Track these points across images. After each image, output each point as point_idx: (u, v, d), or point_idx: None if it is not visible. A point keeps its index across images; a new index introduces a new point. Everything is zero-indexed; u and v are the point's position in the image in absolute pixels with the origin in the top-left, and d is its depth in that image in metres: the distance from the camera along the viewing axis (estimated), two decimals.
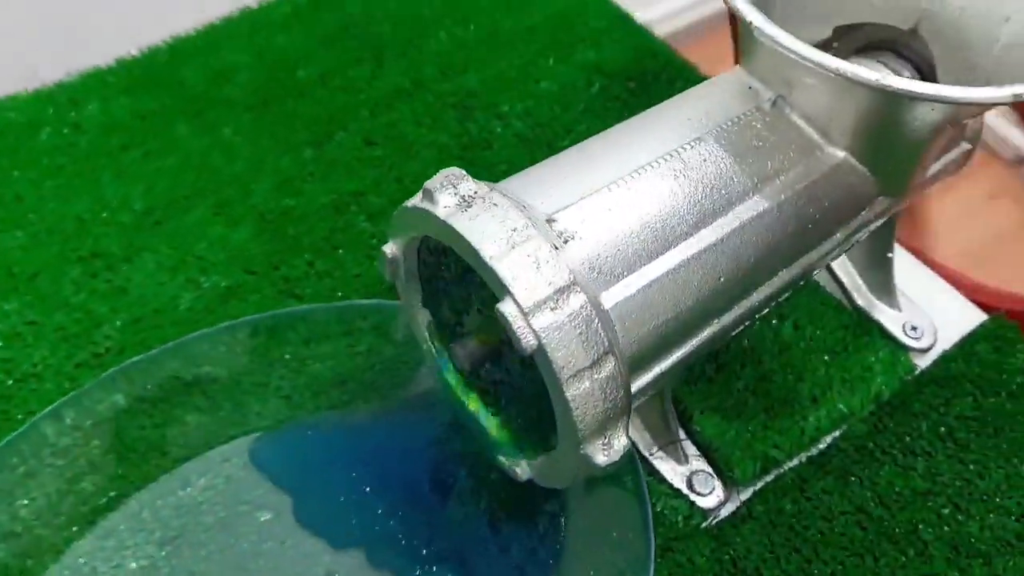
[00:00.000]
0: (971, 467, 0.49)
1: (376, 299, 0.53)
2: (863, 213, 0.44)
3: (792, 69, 0.40)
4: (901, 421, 0.51)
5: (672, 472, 0.48)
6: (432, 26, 0.69)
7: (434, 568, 0.45)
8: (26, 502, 0.46)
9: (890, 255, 0.53)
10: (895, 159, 0.41)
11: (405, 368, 0.52)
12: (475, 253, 0.34)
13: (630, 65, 0.66)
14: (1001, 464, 0.49)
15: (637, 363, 0.37)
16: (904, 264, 0.58)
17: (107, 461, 0.48)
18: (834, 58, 0.36)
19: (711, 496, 0.48)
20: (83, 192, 0.58)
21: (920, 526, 0.47)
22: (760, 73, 0.42)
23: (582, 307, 0.34)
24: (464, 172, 0.37)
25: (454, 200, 0.36)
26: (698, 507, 0.48)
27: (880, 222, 0.46)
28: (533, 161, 0.40)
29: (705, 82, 0.44)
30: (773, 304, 0.43)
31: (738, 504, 0.48)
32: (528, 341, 0.33)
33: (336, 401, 0.51)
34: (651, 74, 0.66)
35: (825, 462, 0.50)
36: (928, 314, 0.55)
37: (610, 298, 0.36)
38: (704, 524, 0.47)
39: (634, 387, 0.37)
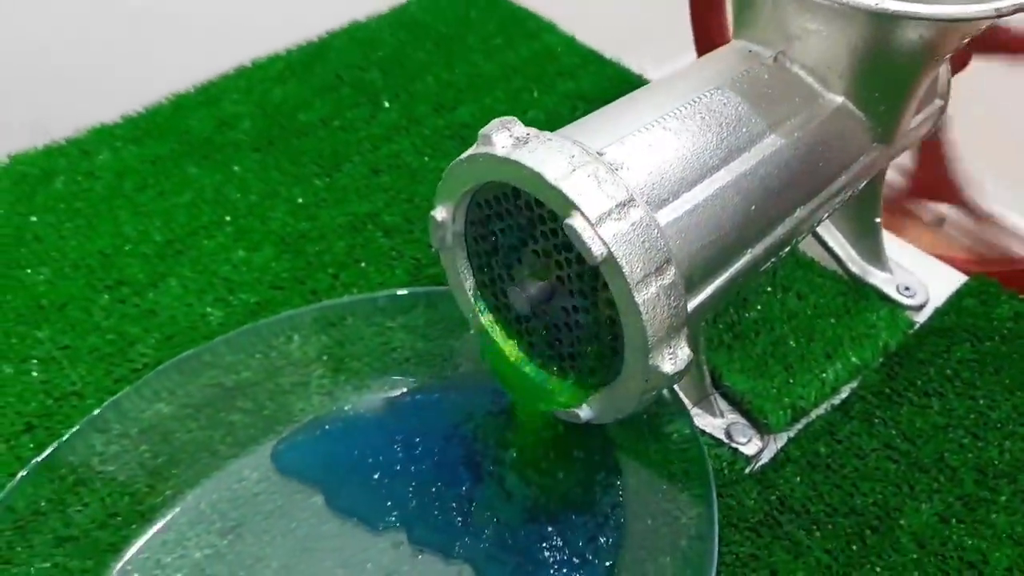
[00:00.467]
0: (981, 402, 0.53)
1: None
2: (862, 158, 0.48)
3: (791, 21, 0.44)
4: (910, 368, 0.54)
5: (710, 426, 0.50)
6: (420, 72, 0.74)
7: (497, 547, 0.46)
8: (79, 508, 0.46)
9: (878, 220, 0.57)
10: (886, 98, 0.46)
11: (440, 356, 0.54)
12: (539, 177, 0.37)
13: (609, 90, 0.71)
14: (1007, 397, 0.53)
15: (688, 282, 0.40)
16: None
17: (158, 464, 0.48)
18: None
19: (750, 444, 0.50)
20: (102, 230, 0.60)
21: (946, 455, 0.50)
22: (757, 38, 0.47)
23: (642, 218, 0.37)
24: (515, 118, 0.40)
25: (510, 140, 0.39)
26: (741, 454, 0.49)
27: (875, 172, 0.50)
28: None
29: (709, 54, 0.49)
30: (793, 242, 0.46)
31: (775, 450, 0.50)
32: (599, 249, 0.36)
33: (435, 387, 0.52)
34: None
35: (848, 408, 0.52)
36: (917, 276, 0.59)
37: (660, 219, 0.39)
38: (748, 470, 0.49)
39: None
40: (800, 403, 0.52)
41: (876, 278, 0.59)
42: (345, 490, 0.48)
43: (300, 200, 0.62)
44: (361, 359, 0.53)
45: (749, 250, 0.43)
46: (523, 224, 0.41)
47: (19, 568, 0.43)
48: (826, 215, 0.48)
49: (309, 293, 0.56)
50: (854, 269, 0.59)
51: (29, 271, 0.57)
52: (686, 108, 0.42)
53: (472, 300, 0.46)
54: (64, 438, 0.46)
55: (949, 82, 0.52)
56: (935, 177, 0.67)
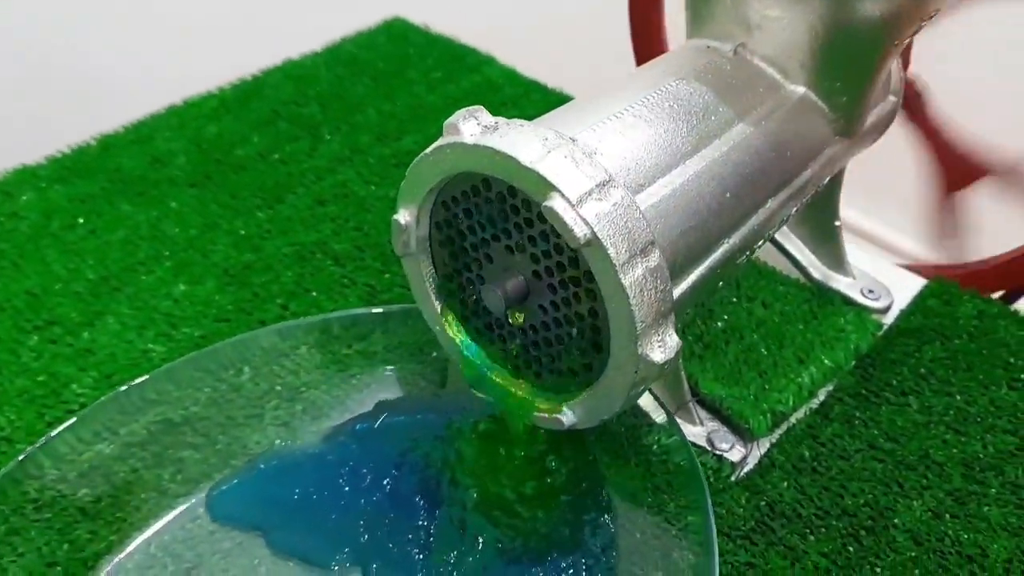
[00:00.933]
0: (958, 398, 0.52)
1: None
2: (826, 151, 0.48)
3: (751, 9, 0.44)
4: (884, 368, 0.54)
5: (691, 434, 0.49)
6: (360, 105, 0.72)
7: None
8: (13, 559, 0.41)
9: (837, 224, 0.57)
10: (847, 87, 0.46)
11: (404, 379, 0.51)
12: (512, 161, 0.35)
13: None
14: (982, 392, 0.52)
15: (671, 269, 0.39)
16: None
17: (101, 507, 0.44)
18: None
19: (733, 451, 0.48)
20: (29, 271, 0.56)
21: (930, 451, 0.49)
22: (715, 33, 0.47)
23: (623, 198, 0.36)
24: (481, 107, 0.38)
25: (479, 128, 0.37)
26: (726, 460, 0.48)
27: (837, 168, 0.50)
28: None
29: (665, 53, 0.48)
30: (765, 237, 0.45)
31: (759, 456, 0.49)
32: (582, 231, 0.34)
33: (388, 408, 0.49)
34: None
35: (827, 411, 0.51)
36: (877, 279, 0.59)
37: (640, 203, 0.38)
38: (734, 477, 0.48)
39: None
40: (779, 408, 0.50)
41: (839, 283, 0.58)
42: (289, 533, 0.44)
43: (242, 232, 0.60)
44: (318, 388, 0.50)
45: (726, 240, 0.42)
46: (494, 218, 0.39)
47: None
48: (793, 209, 0.48)
49: (257, 324, 0.53)
50: (816, 275, 0.58)
51: None
52: (654, 96, 0.42)
53: (438, 310, 0.44)
54: None
55: (902, 79, 0.52)
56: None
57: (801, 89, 0.46)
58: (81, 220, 0.60)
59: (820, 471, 0.48)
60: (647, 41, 0.76)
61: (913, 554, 0.44)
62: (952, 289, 0.59)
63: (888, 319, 0.57)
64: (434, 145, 0.39)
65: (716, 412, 0.50)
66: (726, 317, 0.56)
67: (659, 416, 0.47)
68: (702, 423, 0.49)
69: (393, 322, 0.52)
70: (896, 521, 0.46)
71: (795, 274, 0.59)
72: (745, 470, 0.48)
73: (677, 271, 0.39)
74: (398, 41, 0.80)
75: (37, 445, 0.43)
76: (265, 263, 0.58)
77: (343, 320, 0.51)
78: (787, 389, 0.52)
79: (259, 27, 0.81)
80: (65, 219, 0.60)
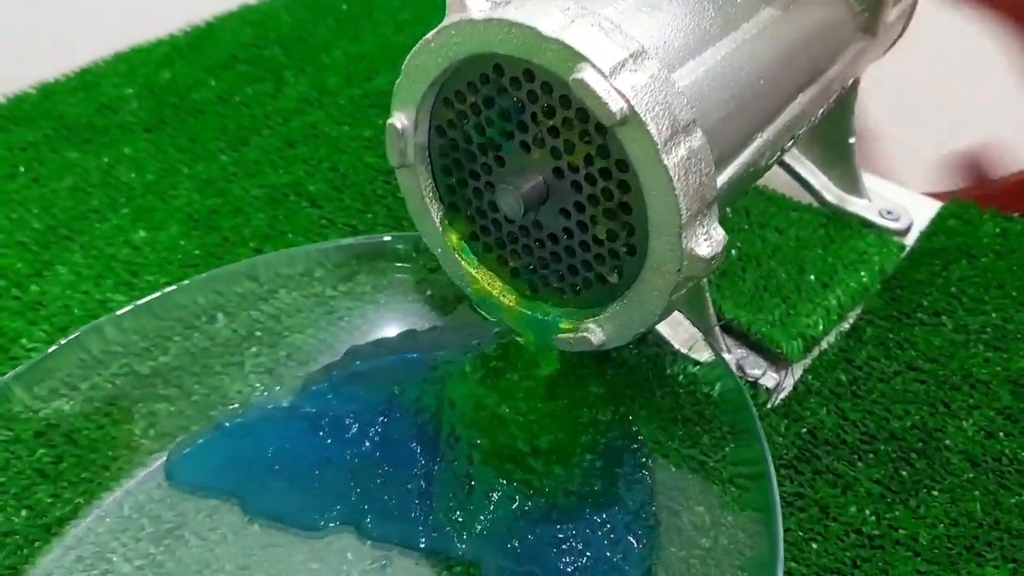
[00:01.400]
0: (993, 316, 0.49)
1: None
2: (850, 48, 0.44)
3: None
4: (912, 289, 0.50)
5: None
6: (326, 46, 0.67)
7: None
8: None
9: (852, 141, 0.53)
10: None
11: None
12: (533, 34, 0.31)
13: None
14: (1018, 308, 0.49)
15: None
16: None
17: (63, 469, 0.38)
18: None
19: (766, 377, 0.45)
20: None
21: (973, 370, 0.46)
22: None
23: (660, 71, 0.32)
24: None
25: (487, 3, 0.33)
26: (761, 387, 0.44)
27: (861, 69, 0.46)
28: None
29: None
30: (796, 135, 0.42)
31: (793, 382, 0.45)
32: (617, 104, 0.30)
33: (364, 353, 0.44)
34: None
35: (860, 335, 0.48)
36: (895, 200, 0.56)
37: (676, 82, 0.34)
38: (770, 404, 0.44)
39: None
40: (809, 332, 0.47)
41: (855, 205, 0.55)
42: (267, 496, 0.39)
43: (205, 176, 0.55)
44: (303, 332, 0.46)
45: (760, 134, 0.38)
46: (508, 111, 0.35)
47: None
48: (820, 110, 0.44)
49: None
50: (831, 198, 0.55)
51: None
52: None
53: (440, 228, 0.39)
54: None
55: None
56: None
57: None
58: (22, 169, 0.54)
59: (860, 395, 0.44)
60: None
61: (971, 475, 0.41)
62: (971, 209, 0.56)
63: (910, 240, 0.54)
64: (437, 28, 0.34)
65: (742, 339, 0.46)
66: (739, 245, 0.53)
67: (688, 343, 0.43)
68: (730, 350, 0.46)
69: (382, 257, 0.47)
70: (947, 443, 0.42)
71: (807, 200, 0.56)
72: (781, 396, 0.44)
73: (716, 161, 0.35)
74: None
75: None
76: (233, 206, 0.52)
77: (325, 253, 0.46)
78: (815, 313, 0.48)
79: None
80: (3, 168, 0.54)
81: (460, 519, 0.38)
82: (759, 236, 0.53)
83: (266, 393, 0.43)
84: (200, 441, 0.41)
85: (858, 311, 0.49)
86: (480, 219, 0.38)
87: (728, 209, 0.54)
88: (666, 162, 0.31)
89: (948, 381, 0.45)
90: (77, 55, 0.64)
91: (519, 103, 0.34)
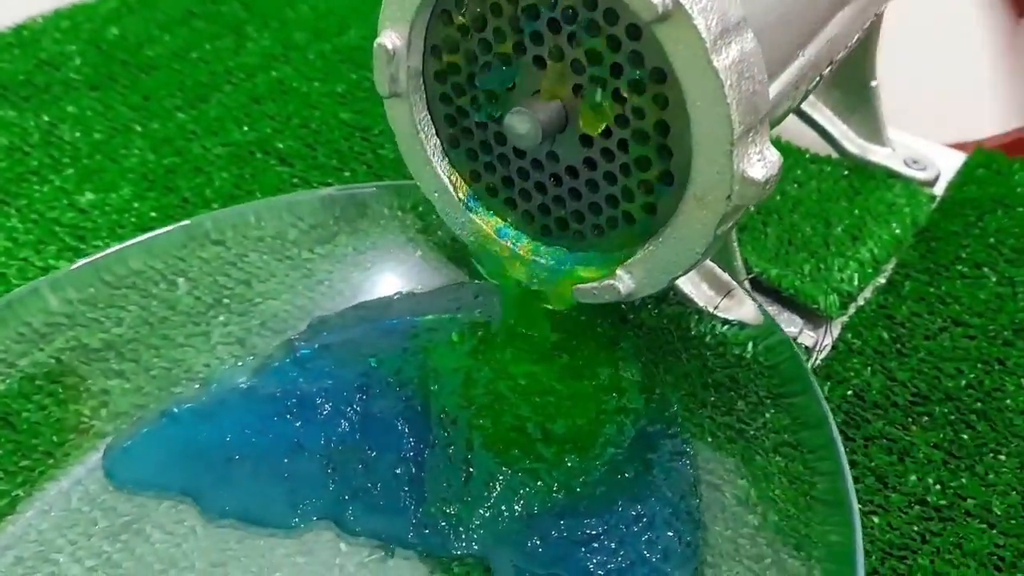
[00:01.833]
0: None
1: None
2: None
3: None
4: (948, 241, 0.46)
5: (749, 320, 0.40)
6: (290, 1, 0.62)
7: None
8: None
9: (874, 83, 0.49)
10: None
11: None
12: None
13: None
14: None
15: None
16: None
17: None
18: None
19: (803, 335, 0.40)
20: None
21: None
22: None
23: None
24: None
25: None
26: (800, 346, 0.39)
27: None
28: None
29: None
30: (837, 58, 0.37)
31: (832, 341, 0.40)
32: None
33: (334, 324, 0.39)
34: None
35: (898, 290, 0.43)
36: (919, 149, 0.52)
37: None
38: (810, 364, 0.39)
39: None
40: (844, 287, 0.42)
41: (878, 155, 0.51)
42: (228, 493, 0.34)
43: (161, 135, 0.49)
44: (277, 298, 0.40)
45: (802, 52, 0.34)
46: (518, 19, 0.30)
47: None
48: (855, 38, 0.40)
49: None
50: (852, 148, 0.51)
51: None
52: None
53: (437, 167, 0.34)
54: None
55: None
56: None
57: None
58: None
59: (906, 353, 0.40)
60: None
61: None
62: (999, 158, 0.52)
63: (938, 190, 0.50)
64: None
65: (772, 295, 0.42)
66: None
67: (713, 300, 0.39)
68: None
69: (365, 215, 0.42)
70: (1008, 402, 0.38)
71: (824, 151, 0.51)
72: (821, 356, 0.39)
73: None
74: None
75: None
76: (193, 165, 0.47)
77: (297, 206, 0.41)
78: (848, 267, 0.44)
79: None
80: None
81: (459, 512, 0.33)
82: (777, 189, 0.49)
83: (240, 364, 0.37)
84: (144, 431, 0.35)
85: (892, 265, 0.45)
86: (484, 155, 0.33)
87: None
88: (716, 64, 0.26)
89: (1000, 336, 0.41)
90: (10, 11, 0.58)
91: (532, 8, 0.29)
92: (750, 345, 0.37)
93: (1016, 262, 0.45)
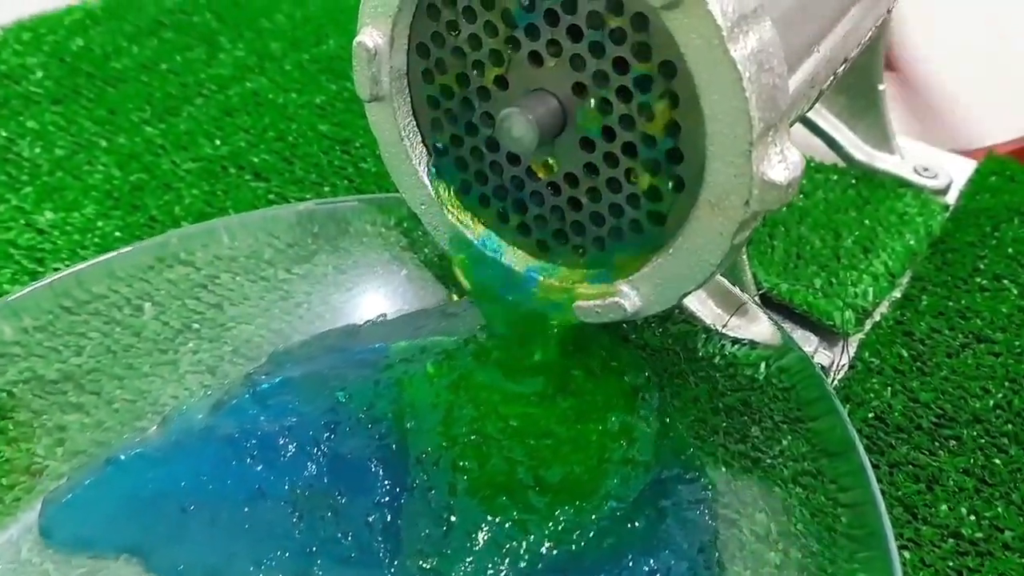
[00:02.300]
0: None
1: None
2: None
3: None
4: (964, 252, 0.44)
5: (760, 338, 0.38)
6: (265, 11, 0.59)
7: None
8: None
9: (881, 87, 0.47)
10: None
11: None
12: None
13: None
14: None
15: None
16: None
17: None
18: None
19: (819, 354, 0.38)
20: None
21: None
22: None
23: None
24: None
25: None
26: (817, 366, 0.37)
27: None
28: None
29: None
30: (850, 56, 0.35)
31: (849, 359, 0.38)
32: None
33: (297, 355, 0.36)
34: None
35: (915, 305, 0.41)
36: (929, 156, 0.50)
37: None
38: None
39: None
40: (859, 302, 0.40)
41: (886, 162, 0.49)
42: (182, 548, 0.30)
43: (127, 150, 0.46)
44: (251, 322, 0.37)
45: (817, 47, 0.31)
46: (511, 11, 0.27)
47: None
48: (867, 36, 0.37)
49: None
50: (859, 156, 0.49)
51: None
52: None
53: (424, 176, 0.32)
54: None
55: None
56: None
57: None
58: None
59: (928, 372, 0.38)
60: None
61: None
62: (1012, 165, 0.50)
63: (950, 199, 0.48)
64: None
65: (784, 311, 0.40)
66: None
67: (721, 318, 0.36)
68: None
69: (346, 232, 0.39)
70: None
71: (830, 159, 0.49)
72: (839, 376, 0.37)
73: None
74: None
75: None
76: (161, 182, 0.44)
77: (275, 222, 0.38)
78: (861, 281, 0.41)
79: None
80: None
81: (438, 566, 0.30)
82: None
83: (208, 394, 0.34)
84: (86, 482, 0.31)
85: (907, 278, 0.43)
86: (475, 162, 0.31)
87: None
88: (734, 55, 0.23)
89: None
90: None
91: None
92: (763, 365, 0.35)
93: None
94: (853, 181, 0.48)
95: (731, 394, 0.35)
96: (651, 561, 0.29)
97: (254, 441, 0.33)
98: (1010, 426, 0.35)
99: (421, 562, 0.30)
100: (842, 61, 0.35)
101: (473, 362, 0.33)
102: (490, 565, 0.30)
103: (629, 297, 0.29)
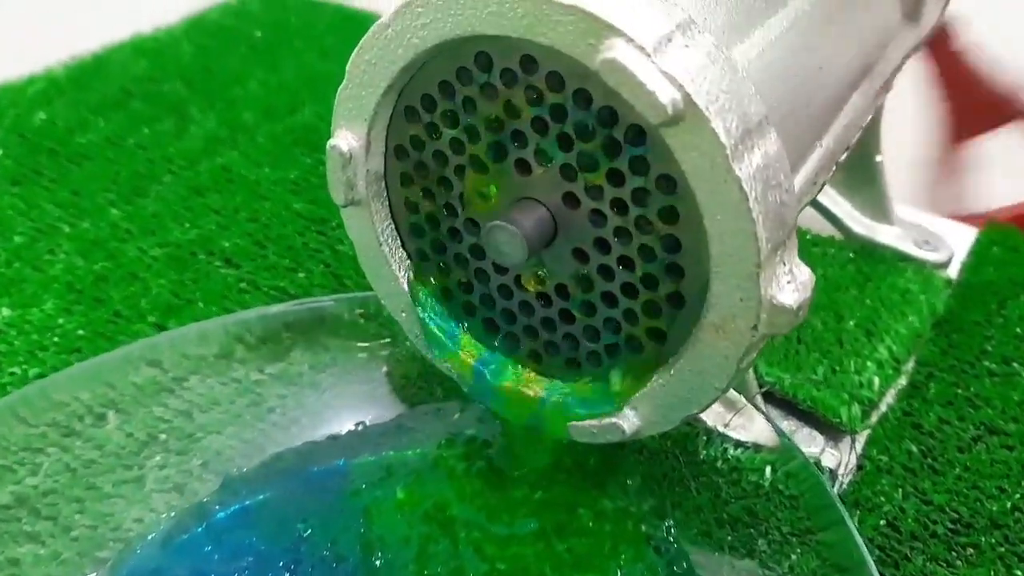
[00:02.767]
0: None
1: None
2: (895, 41, 0.37)
3: None
4: (970, 332, 0.42)
5: (761, 439, 0.36)
6: (238, 78, 0.58)
7: None
8: None
9: (879, 159, 0.46)
10: None
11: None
12: (537, 2, 0.22)
13: None
14: None
15: None
16: None
17: None
18: None
19: (825, 455, 0.36)
20: None
21: None
22: None
23: (717, 48, 0.23)
24: None
25: None
26: (823, 468, 0.35)
27: (903, 60, 0.39)
28: None
29: None
30: (851, 143, 0.34)
31: (857, 459, 0.36)
32: (668, 93, 0.21)
33: (254, 480, 0.34)
34: None
35: (922, 394, 0.39)
36: (929, 228, 0.48)
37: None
38: (835, 489, 0.35)
39: None
40: (865, 393, 0.39)
41: (886, 235, 0.47)
42: None
43: (91, 236, 0.44)
44: (222, 431, 0.35)
45: (819, 142, 0.30)
46: (498, 117, 0.26)
47: None
48: (868, 118, 0.36)
49: None
50: (858, 229, 0.47)
51: None
52: None
53: (404, 284, 0.30)
54: None
55: None
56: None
57: None
58: None
59: (939, 470, 0.36)
60: None
61: None
62: (1014, 235, 0.49)
63: (952, 273, 0.47)
64: (396, 7, 0.25)
65: (787, 407, 0.38)
66: None
67: (722, 418, 0.34)
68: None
69: (322, 327, 0.38)
70: None
71: (827, 231, 0.48)
72: (847, 479, 0.35)
73: None
74: (275, 9, 0.66)
75: None
76: (126, 271, 0.42)
77: (246, 325, 0.36)
78: (865, 369, 0.40)
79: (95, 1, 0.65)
80: None
81: None
82: None
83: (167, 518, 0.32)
84: None
85: (912, 363, 0.41)
86: (459, 270, 0.29)
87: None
88: (739, 174, 0.22)
89: None
90: None
91: (513, 106, 0.25)
92: (768, 471, 0.33)
93: None
94: (852, 255, 0.47)
95: (735, 502, 0.33)
96: None
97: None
98: None
99: None
100: (844, 149, 0.33)
101: (449, 488, 0.31)
102: None
103: (628, 418, 0.27)
